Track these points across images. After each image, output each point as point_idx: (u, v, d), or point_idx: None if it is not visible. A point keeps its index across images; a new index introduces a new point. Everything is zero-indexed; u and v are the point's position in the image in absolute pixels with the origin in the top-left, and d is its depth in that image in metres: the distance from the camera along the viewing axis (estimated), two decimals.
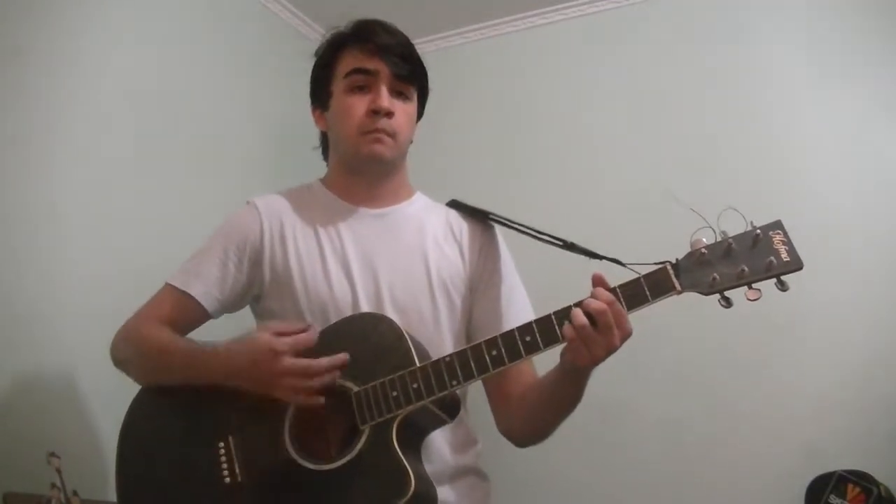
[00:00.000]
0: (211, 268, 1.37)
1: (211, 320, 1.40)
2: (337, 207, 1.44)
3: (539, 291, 1.48)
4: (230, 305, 1.41)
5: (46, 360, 1.59)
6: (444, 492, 1.27)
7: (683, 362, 2.23)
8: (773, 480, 2.07)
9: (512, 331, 1.14)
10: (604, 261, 1.26)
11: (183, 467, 1.25)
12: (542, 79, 2.68)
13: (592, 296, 1.09)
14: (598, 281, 1.11)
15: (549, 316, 1.13)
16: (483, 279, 1.45)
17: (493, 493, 1.44)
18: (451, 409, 1.25)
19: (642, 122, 2.49)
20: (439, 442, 1.33)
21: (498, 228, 1.50)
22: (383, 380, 1.18)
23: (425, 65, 1.47)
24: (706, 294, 1.07)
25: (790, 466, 2.04)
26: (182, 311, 1.35)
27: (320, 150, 1.55)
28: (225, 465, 1.23)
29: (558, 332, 1.11)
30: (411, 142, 1.47)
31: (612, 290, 1.10)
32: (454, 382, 1.15)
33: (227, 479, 1.22)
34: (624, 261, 1.17)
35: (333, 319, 1.31)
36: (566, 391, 1.25)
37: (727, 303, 1.06)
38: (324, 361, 1.18)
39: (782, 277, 1.03)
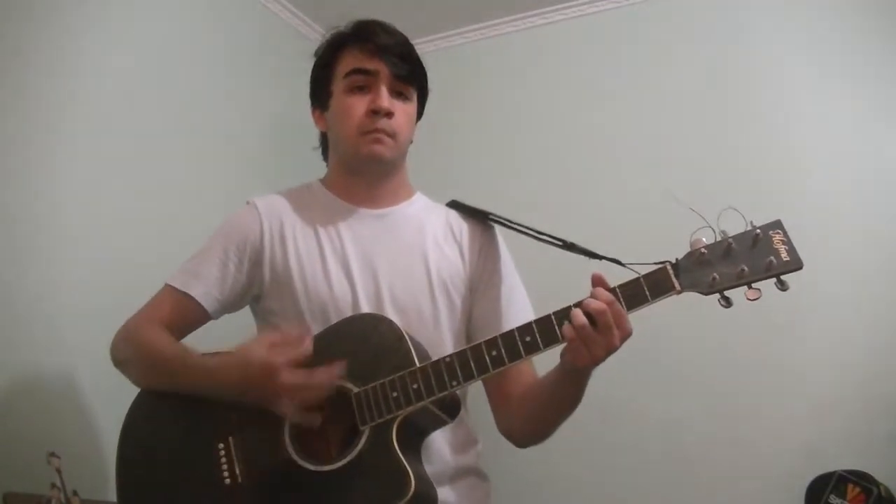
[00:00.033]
0: (211, 268, 1.37)
1: (211, 320, 1.40)
2: (337, 208, 1.44)
3: (539, 291, 1.48)
4: (230, 306, 1.41)
5: (46, 360, 1.59)
6: (444, 492, 1.27)
7: (683, 362, 2.23)
8: (773, 480, 2.07)
9: (512, 331, 1.14)
10: (603, 261, 1.26)
11: (183, 468, 1.24)
12: (542, 79, 2.68)
13: (592, 296, 1.09)
14: (597, 281, 1.11)
15: (548, 316, 1.13)
16: (483, 279, 1.45)
17: (493, 493, 1.44)
18: (451, 409, 1.25)
19: (642, 122, 2.49)
20: (440, 442, 1.33)
21: (498, 229, 1.50)
22: (383, 380, 1.18)
23: (425, 65, 1.47)
24: (706, 294, 1.07)
25: (790, 466, 2.04)
26: (182, 311, 1.35)
27: (320, 150, 1.56)
28: (225, 466, 1.23)
29: (558, 332, 1.11)
30: (411, 142, 1.47)
31: (612, 290, 1.10)
32: (454, 383, 1.15)
33: (228, 480, 1.22)
34: (624, 261, 1.17)
35: (333, 319, 1.31)
36: (566, 391, 1.25)
37: (727, 302, 1.06)
38: (321, 376, 1.16)
39: (782, 277, 1.03)
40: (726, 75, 2.41)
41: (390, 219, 1.44)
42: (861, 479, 1.89)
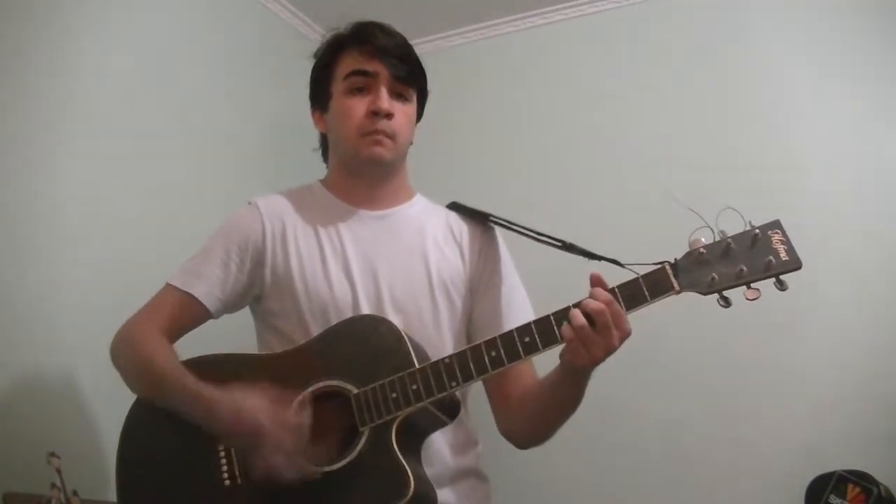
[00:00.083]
0: (213, 268, 1.37)
1: (211, 320, 1.40)
2: (337, 209, 1.44)
3: (539, 292, 1.48)
4: (231, 306, 1.41)
5: (46, 360, 1.59)
6: (444, 493, 1.27)
7: (683, 362, 2.23)
8: (773, 480, 2.07)
9: (511, 332, 1.15)
10: (603, 261, 1.26)
11: (183, 469, 1.25)
12: (541, 79, 2.68)
13: (591, 296, 1.09)
14: (596, 281, 1.11)
15: (547, 317, 1.13)
16: (483, 280, 1.45)
17: (493, 494, 1.44)
18: (450, 410, 1.26)
19: (642, 122, 2.49)
20: (440, 443, 1.33)
21: (498, 230, 1.50)
22: (383, 381, 1.18)
23: (425, 65, 1.47)
24: (705, 294, 1.07)
25: (790, 466, 2.04)
26: (183, 311, 1.35)
27: (320, 151, 1.56)
28: (225, 468, 1.23)
29: (557, 332, 1.11)
30: (411, 143, 1.47)
31: (611, 291, 1.10)
32: (453, 384, 1.15)
33: (227, 482, 1.22)
34: (623, 261, 1.17)
35: (334, 320, 1.31)
36: (566, 392, 1.25)
37: (726, 302, 1.06)
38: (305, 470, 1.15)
39: (781, 277, 1.03)
40: (726, 75, 2.41)
41: (390, 220, 1.45)
42: (861, 479, 1.89)
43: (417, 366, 1.18)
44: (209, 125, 2.17)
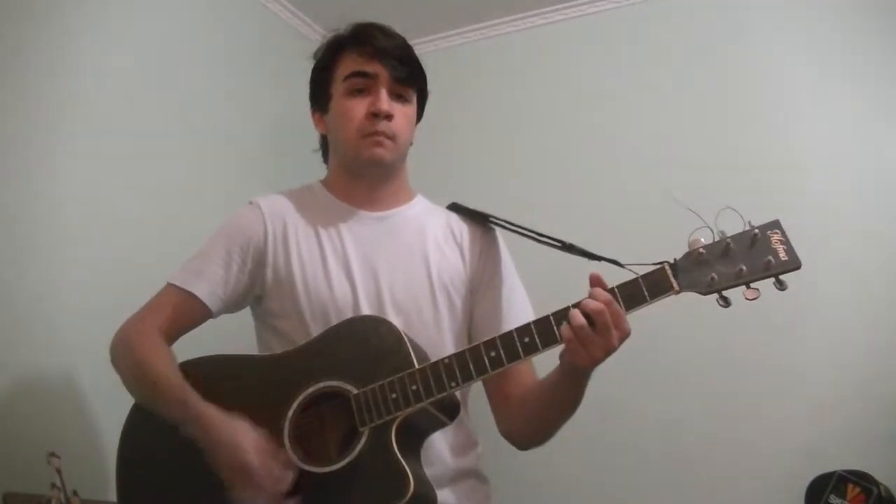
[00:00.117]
0: (214, 267, 1.37)
1: (210, 320, 1.40)
2: (338, 209, 1.45)
3: (539, 293, 1.48)
4: (232, 305, 1.41)
5: (46, 360, 1.59)
6: (444, 494, 1.28)
7: (683, 362, 2.23)
8: (773, 480, 2.07)
9: (510, 332, 1.15)
10: (602, 262, 1.26)
11: (183, 470, 1.24)
12: (542, 79, 2.68)
13: (590, 296, 1.09)
14: (595, 281, 1.11)
15: (547, 317, 1.13)
16: (483, 281, 1.45)
17: (493, 494, 1.44)
18: (450, 410, 1.26)
19: (642, 122, 2.49)
20: (440, 444, 1.33)
21: (498, 231, 1.50)
22: (382, 382, 1.18)
23: (425, 65, 1.47)
24: (704, 294, 1.07)
25: (790, 466, 2.04)
26: (184, 311, 1.35)
27: (320, 152, 1.56)
28: None
29: (556, 332, 1.11)
30: (411, 144, 1.47)
31: (611, 291, 1.10)
32: (453, 384, 1.15)
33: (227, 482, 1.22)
34: (623, 261, 1.18)
35: (334, 321, 1.31)
36: (566, 393, 1.25)
37: (725, 302, 1.06)
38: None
39: (781, 277, 1.03)
40: (726, 75, 2.40)
41: (391, 221, 1.45)
42: (861, 479, 1.89)
43: (417, 366, 1.18)
44: (209, 125, 2.17)
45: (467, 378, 1.15)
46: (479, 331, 1.41)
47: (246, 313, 1.47)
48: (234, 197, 1.57)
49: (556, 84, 2.65)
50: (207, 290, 1.35)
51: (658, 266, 1.09)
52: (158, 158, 1.96)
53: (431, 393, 1.16)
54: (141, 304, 1.37)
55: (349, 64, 1.41)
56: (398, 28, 1.45)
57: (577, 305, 1.10)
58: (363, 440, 1.16)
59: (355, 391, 1.19)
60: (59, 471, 1.14)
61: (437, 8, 2.68)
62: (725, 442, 2.16)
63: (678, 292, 1.08)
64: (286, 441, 1.20)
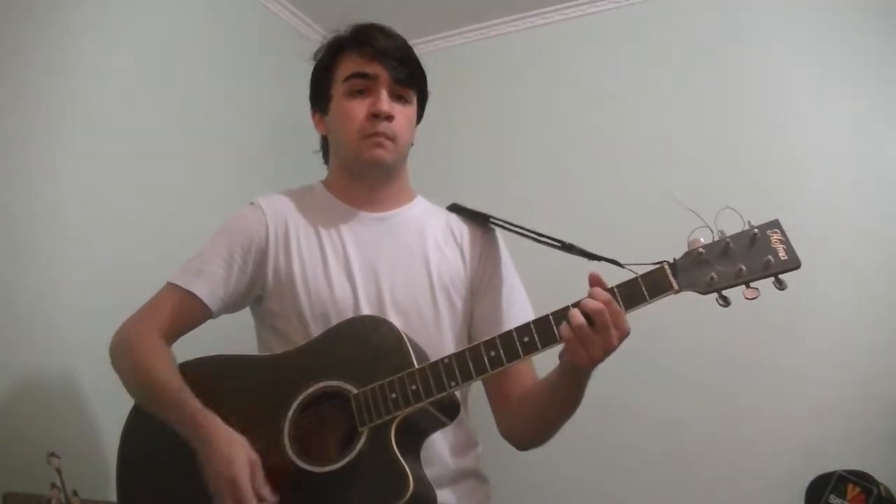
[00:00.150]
0: (215, 268, 1.37)
1: (210, 320, 1.40)
2: (338, 210, 1.45)
3: (539, 293, 1.48)
4: (232, 305, 1.41)
5: (46, 360, 1.59)
6: (444, 494, 1.28)
7: (682, 362, 2.23)
8: (773, 480, 2.06)
9: (510, 331, 1.15)
10: (602, 261, 1.26)
11: (183, 470, 1.24)
12: (542, 79, 2.68)
13: (590, 296, 1.09)
14: (595, 281, 1.12)
15: (546, 316, 1.13)
16: (483, 282, 1.45)
17: (493, 495, 1.44)
18: (450, 410, 1.26)
19: (642, 122, 2.49)
20: (440, 444, 1.33)
21: (498, 231, 1.50)
22: (382, 382, 1.18)
23: (425, 65, 1.47)
24: (704, 293, 1.07)
25: (790, 466, 2.03)
26: (184, 310, 1.35)
27: (321, 153, 1.56)
28: None
29: (556, 332, 1.11)
30: (411, 145, 1.47)
31: (610, 290, 1.10)
32: (452, 384, 1.16)
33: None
34: (623, 261, 1.18)
35: (334, 321, 1.31)
36: (566, 393, 1.25)
37: (725, 302, 1.06)
38: None
39: (780, 276, 1.03)
40: (726, 75, 2.40)
41: (391, 222, 1.45)
42: (861, 479, 1.89)
43: (417, 366, 1.18)
44: (209, 125, 2.17)
45: (467, 378, 1.15)
46: (479, 331, 1.41)
47: (246, 313, 1.47)
48: (234, 197, 1.58)
49: (556, 84, 2.65)
50: (208, 289, 1.35)
51: (657, 266, 1.09)
52: (158, 158, 1.96)
53: (431, 393, 1.16)
54: (141, 304, 1.37)
55: (349, 65, 1.41)
56: (398, 28, 1.45)
57: (576, 305, 1.10)
58: (363, 440, 1.16)
59: (355, 391, 1.19)
60: (59, 471, 1.14)
61: (437, 8, 2.68)
62: (725, 442, 2.16)
63: (677, 292, 1.08)
64: (286, 441, 1.20)
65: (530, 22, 2.73)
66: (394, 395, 1.16)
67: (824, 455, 1.99)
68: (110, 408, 1.45)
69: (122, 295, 1.42)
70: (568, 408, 1.28)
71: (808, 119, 2.28)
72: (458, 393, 1.25)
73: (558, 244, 1.36)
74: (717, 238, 1.07)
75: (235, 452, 1.15)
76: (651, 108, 2.49)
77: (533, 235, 1.39)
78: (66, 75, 1.74)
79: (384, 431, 1.16)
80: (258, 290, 1.41)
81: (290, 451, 1.19)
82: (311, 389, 1.22)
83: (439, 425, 1.26)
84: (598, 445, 2.24)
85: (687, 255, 1.08)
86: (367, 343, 1.23)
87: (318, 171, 1.56)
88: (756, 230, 1.05)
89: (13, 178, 1.60)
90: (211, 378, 1.29)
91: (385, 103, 1.37)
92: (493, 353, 1.14)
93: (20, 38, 1.65)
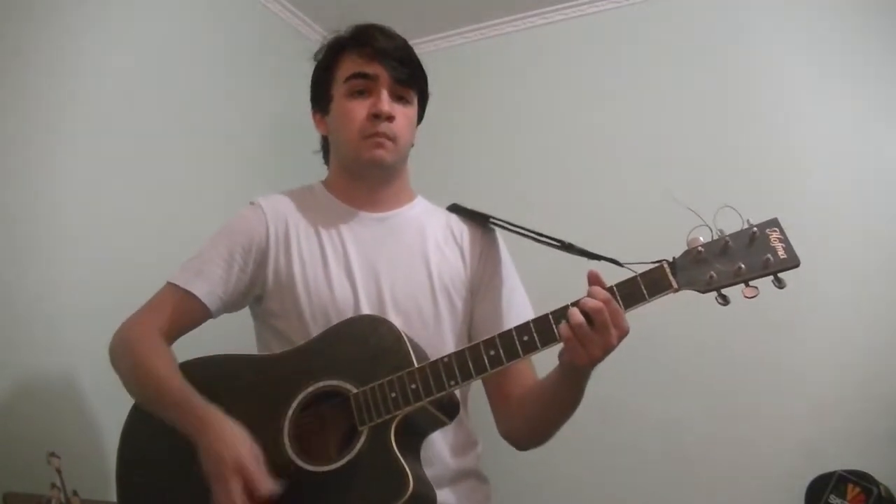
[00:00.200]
0: (215, 268, 1.37)
1: (210, 320, 1.40)
2: (338, 210, 1.45)
3: (538, 292, 1.48)
4: (231, 306, 1.41)
5: (46, 360, 1.59)
6: (444, 494, 1.28)
7: (682, 362, 2.23)
8: (773, 480, 2.06)
9: (510, 331, 1.15)
10: (602, 261, 1.26)
11: (183, 470, 1.24)
12: (542, 79, 2.68)
13: (589, 295, 1.09)
14: (594, 279, 1.12)
15: (546, 316, 1.13)
16: (484, 282, 1.45)
17: (493, 495, 1.44)
18: (449, 410, 1.26)
19: (642, 122, 2.49)
20: (440, 444, 1.33)
21: (498, 231, 1.50)
22: (382, 381, 1.18)
23: (425, 65, 1.47)
24: (703, 292, 1.07)
25: (790, 466, 2.03)
26: (183, 310, 1.35)
27: (321, 153, 1.56)
28: None
29: (555, 331, 1.11)
30: (412, 145, 1.47)
31: (609, 289, 1.10)
32: (452, 383, 1.15)
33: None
34: (623, 260, 1.18)
35: (335, 321, 1.31)
36: (566, 393, 1.25)
37: (724, 300, 1.06)
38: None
39: (779, 275, 1.03)
40: (726, 75, 2.41)
41: (392, 222, 1.45)
42: (861, 479, 1.89)
43: (416, 365, 1.18)
44: (209, 125, 2.18)
45: (466, 377, 1.15)
46: (479, 331, 1.41)
47: (246, 313, 1.47)
48: (234, 197, 1.58)
49: (556, 84, 2.66)
50: (207, 289, 1.35)
51: (657, 264, 1.09)
52: (158, 158, 1.96)
53: (431, 392, 1.16)
54: (141, 304, 1.37)
55: (350, 65, 1.41)
56: (398, 28, 1.45)
57: (575, 304, 1.10)
58: (362, 439, 1.16)
59: (355, 390, 1.19)
60: (59, 471, 1.14)
61: (437, 8, 2.68)
62: (725, 442, 2.16)
63: (677, 290, 1.08)
64: (286, 440, 1.20)
65: (530, 22, 2.73)
66: (393, 395, 1.16)
67: (824, 455, 1.99)
68: (110, 408, 1.45)
69: (122, 295, 1.42)
70: (568, 408, 1.28)
71: (808, 119, 2.28)
72: (457, 393, 1.25)
73: (558, 244, 1.36)
74: (716, 237, 1.07)
75: (239, 440, 1.15)
76: (651, 108, 2.49)
77: (533, 235, 1.39)
78: (66, 75, 1.74)
79: (384, 431, 1.16)
80: (258, 290, 1.41)
81: (289, 451, 1.19)
82: (310, 389, 1.22)
83: (439, 425, 1.26)
84: (598, 445, 2.24)
85: (686, 253, 1.08)
86: (366, 342, 1.23)
87: (318, 171, 1.56)
88: (755, 229, 1.05)
89: (13, 178, 1.60)
90: (211, 378, 1.28)
91: (386, 104, 1.37)
92: (492, 353, 1.14)
93: (20, 38, 1.65)
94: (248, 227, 1.41)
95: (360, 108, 1.38)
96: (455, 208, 1.51)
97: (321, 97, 1.46)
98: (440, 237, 1.46)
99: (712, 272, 1.05)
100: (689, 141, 2.41)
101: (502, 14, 2.74)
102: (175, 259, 1.40)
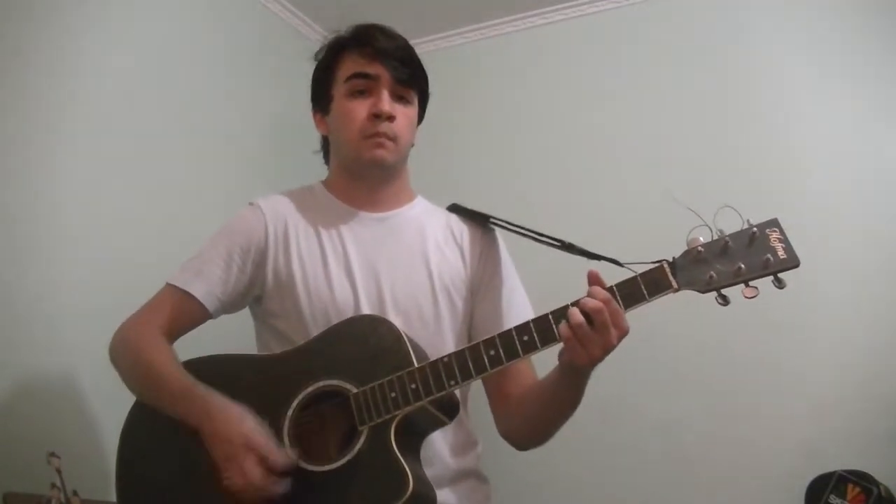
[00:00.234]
0: (214, 268, 1.37)
1: (210, 320, 1.40)
2: (338, 210, 1.45)
3: (538, 292, 1.48)
4: (231, 306, 1.41)
5: (46, 360, 1.59)
6: (444, 494, 1.28)
7: (682, 361, 2.23)
8: (773, 480, 2.06)
9: (509, 330, 1.15)
10: (602, 261, 1.26)
11: (183, 469, 1.24)
12: (542, 79, 2.68)
13: (589, 294, 1.09)
14: (594, 279, 1.11)
15: (546, 315, 1.13)
16: (484, 282, 1.45)
17: (493, 495, 1.44)
18: (449, 409, 1.26)
19: (642, 122, 2.49)
20: (439, 444, 1.33)
21: (498, 231, 1.50)
22: (382, 381, 1.18)
23: (425, 65, 1.47)
24: (703, 292, 1.07)
25: (790, 466, 2.03)
26: (182, 311, 1.35)
27: (321, 153, 1.56)
28: None
29: (555, 331, 1.11)
30: (412, 145, 1.47)
31: (609, 289, 1.10)
32: (452, 383, 1.15)
33: (227, 481, 1.22)
34: (623, 260, 1.18)
35: (334, 321, 1.31)
36: (565, 393, 1.25)
37: (724, 301, 1.06)
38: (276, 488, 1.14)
39: (779, 275, 1.03)
40: (726, 75, 2.41)
41: (392, 222, 1.45)
42: (861, 479, 1.89)
43: (416, 365, 1.18)
44: (209, 125, 2.18)
45: (466, 377, 1.15)
46: (479, 331, 1.41)
47: (246, 313, 1.47)
48: (234, 197, 1.58)
49: (556, 84, 2.66)
50: (205, 290, 1.35)
51: (657, 264, 1.09)
52: (158, 158, 1.96)
53: (430, 392, 1.16)
54: (141, 304, 1.37)
55: (350, 65, 1.41)
56: (398, 28, 1.45)
57: (575, 304, 1.10)
58: (362, 439, 1.16)
59: (355, 390, 1.19)
60: (59, 471, 1.14)
61: (437, 8, 2.68)
62: (725, 442, 2.16)
63: (677, 290, 1.08)
64: (286, 440, 1.20)
65: (530, 22, 2.73)
66: (393, 395, 1.16)
67: (824, 455, 1.99)
68: (110, 408, 1.45)
69: (122, 295, 1.42)
70: (567, 408, 1.28)
71: (808, 119, 2.28)
72: (457, 392, 1.25)
73: (558, 244, 1.36)
74: (716, 237, 1.07)
75: (246, 418, 1.16)
76: (651, 108, 2.49)
77: (533, 235, 1.39)
78: (66, 75, 1.74)
79: (384, 431, 1.16)
80: (257, 291, 1.41)
81: (289, 450, 1.19)
82: (310, 388, 1.22)
83: (439, 424, 1.26)
84: (598, 445, 2.24)
85: (686, 253, 1.08)
86: (366, 342, 1.23)
87: (318, 171, 1.56)
88: (755, 229, 1.05)
89: (13, 178, 1.60)
90: (211, 378, 1.28)
91: (386, 104, 1.37)
92: (492, 352, 1.14)
93: (20, 38, 1.65)
94: (247, 228, 1.41)
95: (361, 108, 1.38)
96: (455, 208, 1.51)
97: (321, 97, 1.46)
98: (440, 237, 1.46)
99: (712, 272, 1.05)
100: (689, 141, 2.41)
101: (502, 14, 2.74)
102: (175, 259, 1.41)
